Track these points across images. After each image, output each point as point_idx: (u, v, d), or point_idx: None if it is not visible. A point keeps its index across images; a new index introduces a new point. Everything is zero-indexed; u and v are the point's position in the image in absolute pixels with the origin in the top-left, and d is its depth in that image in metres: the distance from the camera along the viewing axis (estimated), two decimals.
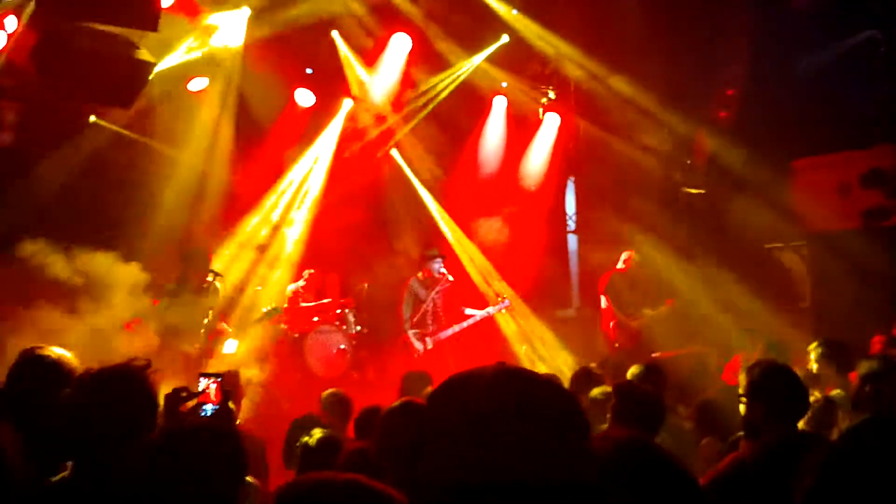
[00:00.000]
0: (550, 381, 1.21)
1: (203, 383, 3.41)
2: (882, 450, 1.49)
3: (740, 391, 3.20)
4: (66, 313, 6.04)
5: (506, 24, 10.01)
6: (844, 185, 9.09)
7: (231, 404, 3.70)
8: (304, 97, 9.92)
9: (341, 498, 1.43)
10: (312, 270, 9.55)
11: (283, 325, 8.86)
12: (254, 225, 9.73)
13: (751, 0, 9.53)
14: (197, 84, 8.86)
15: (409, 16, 9.63)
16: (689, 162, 10.31)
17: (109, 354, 5.13)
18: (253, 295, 9.10)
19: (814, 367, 5.28)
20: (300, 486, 1.49)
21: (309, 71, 10.07)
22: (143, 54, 7.00)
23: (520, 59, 10.43)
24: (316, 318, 9.22)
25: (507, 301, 8.80)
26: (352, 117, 10.48)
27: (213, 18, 8.41)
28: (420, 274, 8.58)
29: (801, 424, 3.23)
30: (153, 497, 2.06)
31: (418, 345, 8.35)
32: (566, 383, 5.04)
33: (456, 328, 8.43)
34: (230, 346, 7.35)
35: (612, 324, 8.93)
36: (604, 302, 9.06)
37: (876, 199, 8.89)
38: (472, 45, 10.17)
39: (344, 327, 9.16)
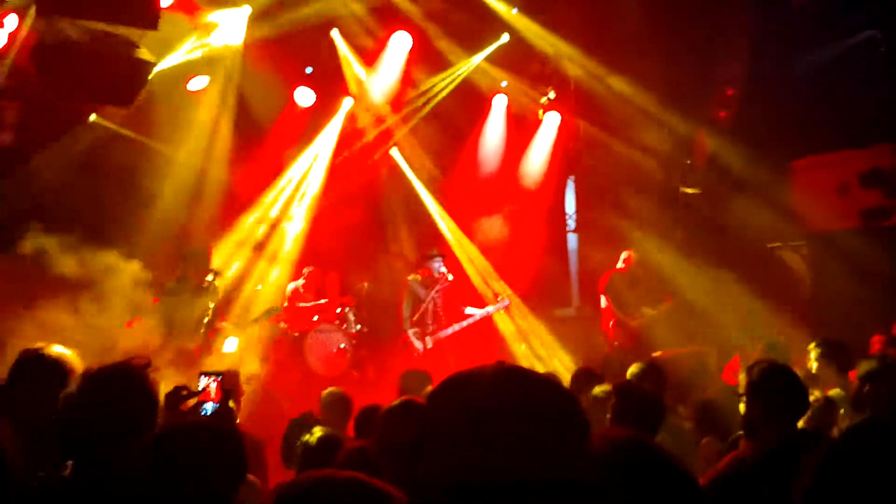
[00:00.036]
0: (550, 381, 1.20)
1: (203, 382, 3.42)
2: (881, 449, 1.49)
3: (740, 391, 3.20)
4: (67, 312, 6.03)
5: (506, 23, 10.01)
6: (844, 184, 9.09)
7: (231, 403, 3.70)
8: (304, 96, 9.92)
9: (341, 496, 1.43)
10: (312, 268, 9.55)
11: (282, 324, 8.86)
12: (251, 223, 9.74)
13: (751, 0, 9.53)
14: (197, 83, 8.86)
15: (409, 15, 9.62)
16: (688, 161, 10.28)
17: (110, 353, 5.15)
18: (252, 293, 9.10)
19: (813, 366, 5.29)
20: (300, 485, 1.49)
21: (309, 70, 10.05)
22: (143, 53, 7.01)
23: (520, 58, 10.42)
24: (316, 317, 9.22)
25: (506, 300, 8.81)
26: (352, 117, 10.48)
27: (213, 16, 8.41)
28: (419, 273, 8.58)
29: (800, 424, 3.23)
30: (153, 496, 2.06)
31: (418, 344, 8.35)
32: (566, 383, 5.04)
33: (456, 327, 8.42)
34: (230, 345, 7.35)
35: (611, 323, 8.93)
36: (603, 301, 9.06)
37: (875, 199, 8.90)
38: (471, 45, 10.17)
39: (344, 326, 9.15)
